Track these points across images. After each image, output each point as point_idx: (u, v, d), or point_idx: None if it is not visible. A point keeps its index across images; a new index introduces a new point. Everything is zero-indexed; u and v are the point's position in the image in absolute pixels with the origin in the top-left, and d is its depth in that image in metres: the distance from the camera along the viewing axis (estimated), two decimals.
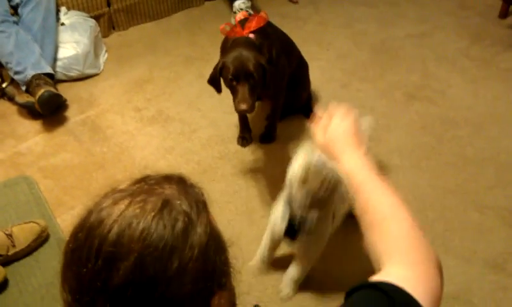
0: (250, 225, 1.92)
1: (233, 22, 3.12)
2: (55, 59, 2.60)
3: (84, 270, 0.56)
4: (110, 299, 0.56)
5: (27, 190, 2.08)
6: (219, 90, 1.96)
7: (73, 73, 2.67)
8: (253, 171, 2.14)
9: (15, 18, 2.51)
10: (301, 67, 2.31)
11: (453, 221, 1.90)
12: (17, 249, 1.77)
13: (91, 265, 0.56)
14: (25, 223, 1.83)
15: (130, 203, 0.59)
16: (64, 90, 2.58)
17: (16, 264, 1.78)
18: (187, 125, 2.40)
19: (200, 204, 0.63)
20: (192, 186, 0.65)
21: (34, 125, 2.43)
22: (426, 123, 2.35)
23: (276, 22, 2.21)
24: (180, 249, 0.57)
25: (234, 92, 1.82)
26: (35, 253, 1.82)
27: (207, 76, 2.80)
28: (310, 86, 2.42)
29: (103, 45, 2.90)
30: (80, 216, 0.61)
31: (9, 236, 1.76)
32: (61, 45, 2.64)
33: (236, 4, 3.07)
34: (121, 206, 0.59)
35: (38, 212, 1.97)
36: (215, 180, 2.11)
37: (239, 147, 2.26)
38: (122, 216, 0.57)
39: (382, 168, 2.11)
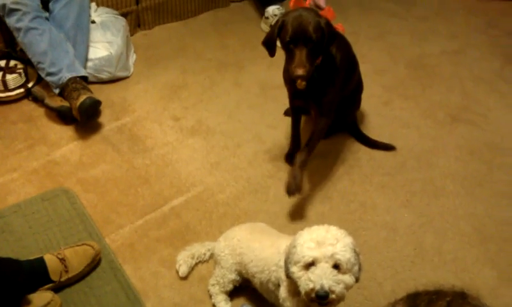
0: None
1: (263, 27, 3.04)
2: (86, 60, 2.44)
3: None
4: None
5: (68, 204, 1.94)
6: (272, 53, 1.82)
7: (104, 76, 2.51)
8: (306, 191, 2.06)
9: (46, 14, 2.34)
10: (358, 90, 2.22)
11: None
12: (70, 275, 1.64)
13: None
14: (78, 246, 1.70)
15: None
16: (94, 94, 2.42)
17: (68, 290, 1.65)
18: (230, 138, 2.30)
19: None
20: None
21: (67, 131, 2.27)
22: (474, 148, 2.32)
23: None
24: None
25: (291, 56, 1.72)
26: (87, 278, 1.69)
27: (243, 85, 2.68)
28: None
29: (131, 46, 2.75)
30: None
31: (63, 260, 1.63)
32: (92, 44, 2.48)
33: (270, 9, 2.97)
34: None
35: (85, 231, 1.84)
36: (268, 200, 2.02)
37: (288, 165, 2.18)
38: None
39: (438, 194, 2.07)
